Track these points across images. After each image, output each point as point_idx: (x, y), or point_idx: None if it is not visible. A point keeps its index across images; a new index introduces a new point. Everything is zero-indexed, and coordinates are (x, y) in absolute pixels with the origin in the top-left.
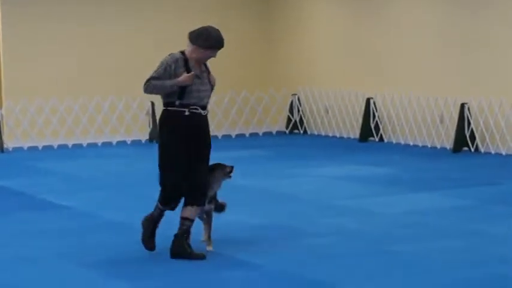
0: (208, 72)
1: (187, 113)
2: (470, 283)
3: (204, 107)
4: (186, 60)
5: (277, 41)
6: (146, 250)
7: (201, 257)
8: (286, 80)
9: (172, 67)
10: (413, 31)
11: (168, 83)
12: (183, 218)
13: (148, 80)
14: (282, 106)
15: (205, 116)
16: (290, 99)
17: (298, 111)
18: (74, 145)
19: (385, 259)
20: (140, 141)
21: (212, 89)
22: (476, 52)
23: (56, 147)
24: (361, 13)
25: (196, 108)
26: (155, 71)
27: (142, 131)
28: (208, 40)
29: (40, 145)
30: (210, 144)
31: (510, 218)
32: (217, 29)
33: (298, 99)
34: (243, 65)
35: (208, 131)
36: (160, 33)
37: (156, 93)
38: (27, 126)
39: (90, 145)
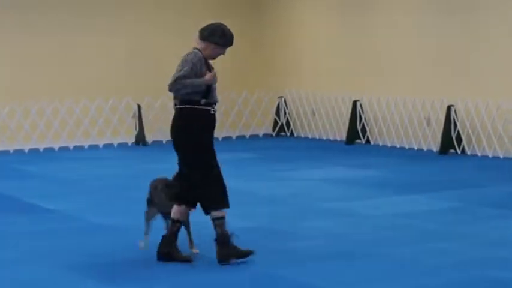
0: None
1: (212, 112)
2: (457, 285)
3: (215, 105)
4: (205, 59)
5: (264, 44)
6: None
7: (189, 259)
8: (273, 82)
9: (198, 66)
10: (399, 34)
11: (197, 81)
12: (174, 220)
13: (176, 79)
14: (269, 109)
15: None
16: (277, 102)
17: (285, 113)
18: (61, 148)
19: (372, 262)
20: (127, 144)
21: None
22: (463, 54)
23: (42, 150)
24: (348, 16)
25: (213, 106)
26: (183, 70)
27: (128, 133)
28: (223, 37)
29: (26, 148)
30: None
31: (496, 220)
32: (226, 26)
33: (285, 101)
34: (230, 67)
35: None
36: (147, 38)
37: (182, 92)
38: (13, 130)
39: (76, 148)
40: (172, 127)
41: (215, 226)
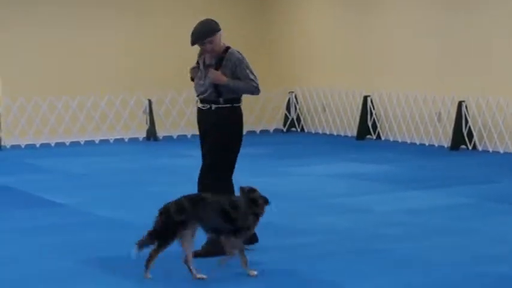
0: (215, 67)
1: (197, 105)
2: (465, 281)
3: (202, 101)
4: (204, 55)
5: (274, 39)
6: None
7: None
8: (284, 77)
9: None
10: (410, 29)
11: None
12: None
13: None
14: (279, 104)
15: (205, 111)
16: (287, 97)
17: (296, 109)
18: (72, 143)
19: (380, 257)
20: (137, 138)
21: (212, 84)
22: (474, 50)
23: (53, 145)
24: (359, 11)
25: (196, 101)
26: None
27: (139, 128)
28: (190, 37)
29: (38, 143)
30: (209, 140)
31: (506, 215)
32: (200, 23)
33: (296, 97)
34: None
35: (208, 127)
36: (158, 33)
37: None
38: (25, 124)
39: (87, 143)
40: None
41: None
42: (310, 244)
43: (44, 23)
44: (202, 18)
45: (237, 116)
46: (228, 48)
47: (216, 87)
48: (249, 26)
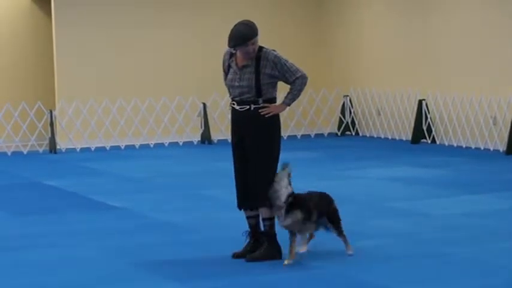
0: (254, 67)
1: (232, 106)
2: None
3: (239, 102)
4: (237, 57)
5: (329, 42)
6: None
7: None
8: (338, 81)
9: (225, 64)
10: (464, 32)
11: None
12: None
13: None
14: (334, 108)
15: (243, 112)
16: (342, 101)
17: (350, 112)
18: (126, 146)
19: (439, 261)
20: (192, 142)
21: (252, 85)
22: None
23: (108, 148)
24: (414, 14)
25: (233, 103)
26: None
27: (194, 132)
28: (228, 40)
29: (92, 146)
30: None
31: None
32: (241, 25)
33: (350, 100)
34: None
35: (247, 128)
36: (214, 36)
37: None
38: (79, 128)
39: (142, 146)
40: None
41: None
42: (367, 248)
43: (100, 25)
44: (258, 21)
45: (275, 115)
46: (261, 48)
47: (258, 87)
48: (305, 30)
